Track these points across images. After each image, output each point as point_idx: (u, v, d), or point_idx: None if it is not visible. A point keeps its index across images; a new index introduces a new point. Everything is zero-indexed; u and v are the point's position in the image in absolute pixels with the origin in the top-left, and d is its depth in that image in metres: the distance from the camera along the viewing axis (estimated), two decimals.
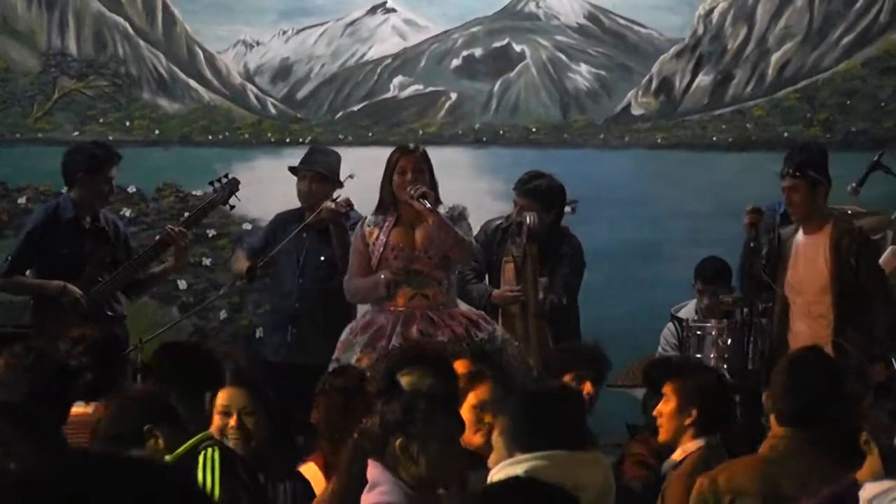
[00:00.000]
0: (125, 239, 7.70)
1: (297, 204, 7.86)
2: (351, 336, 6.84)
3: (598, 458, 3.51)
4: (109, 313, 7.41)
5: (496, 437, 3.86)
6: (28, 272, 7.48)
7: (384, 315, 6.83)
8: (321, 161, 7.83)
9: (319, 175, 7.72)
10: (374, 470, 4.13)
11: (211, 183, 7.73)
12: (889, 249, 7.67)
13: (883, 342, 6.96)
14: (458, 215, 6.90)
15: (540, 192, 7.47)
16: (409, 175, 6.79)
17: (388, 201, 6.93)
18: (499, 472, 3.47)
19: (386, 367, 4.80)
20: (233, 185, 7.65)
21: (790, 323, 7.20)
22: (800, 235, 7.25)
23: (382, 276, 6.82)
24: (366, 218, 7.03)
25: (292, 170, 7.88)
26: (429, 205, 6.69)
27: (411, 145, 7.05)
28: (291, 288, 7.67)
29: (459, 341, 6.72)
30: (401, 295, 6.87)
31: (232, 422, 5.13)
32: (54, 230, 7.39)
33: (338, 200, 7.51)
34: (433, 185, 6.89)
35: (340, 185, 7.71)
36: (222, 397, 5.20)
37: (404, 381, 4.50)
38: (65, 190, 7.70)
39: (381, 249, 6.86)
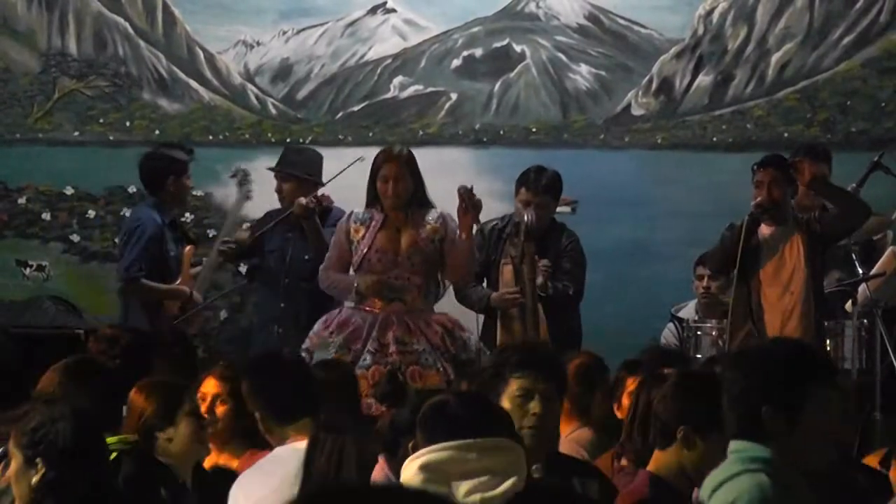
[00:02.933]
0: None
1: None
2: (325, 331, 6.83)
3: (502, 444, 3.58)
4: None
5: None
6: None
7: (360, 315, 6.81)
8: (292, 162, 7.80)
9: (289, 176, 7.71)
10: (380, 472, 4.16)
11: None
12: (889, 250, 7.66)
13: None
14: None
15: (554, 185, 7.42)
16: (391, 183, 6.78)
17: (375, 201, 6.91)
18: (406, 466, 3.56)
19: (495, 369, 4.77)
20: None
21: (762, 315, 7.15)
22: (764, 228, 7.24)
23: (355, 285, 6.83)
24: (352, 213, 7.02)
25: (271, 170, 7.90)
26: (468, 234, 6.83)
27: (396, 148, 6.95)
28: (278, 287, 7.65)
29: (435, 350, 6.71)
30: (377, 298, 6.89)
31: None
32: (162, 235, 7.51)
33: (309, 196, 7.45)
34: (419, 187, 6.86)
35: (318, 184, 7.68)
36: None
37: (516, 384, 4.49)
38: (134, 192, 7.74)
39: (365, 251, 6.85)
